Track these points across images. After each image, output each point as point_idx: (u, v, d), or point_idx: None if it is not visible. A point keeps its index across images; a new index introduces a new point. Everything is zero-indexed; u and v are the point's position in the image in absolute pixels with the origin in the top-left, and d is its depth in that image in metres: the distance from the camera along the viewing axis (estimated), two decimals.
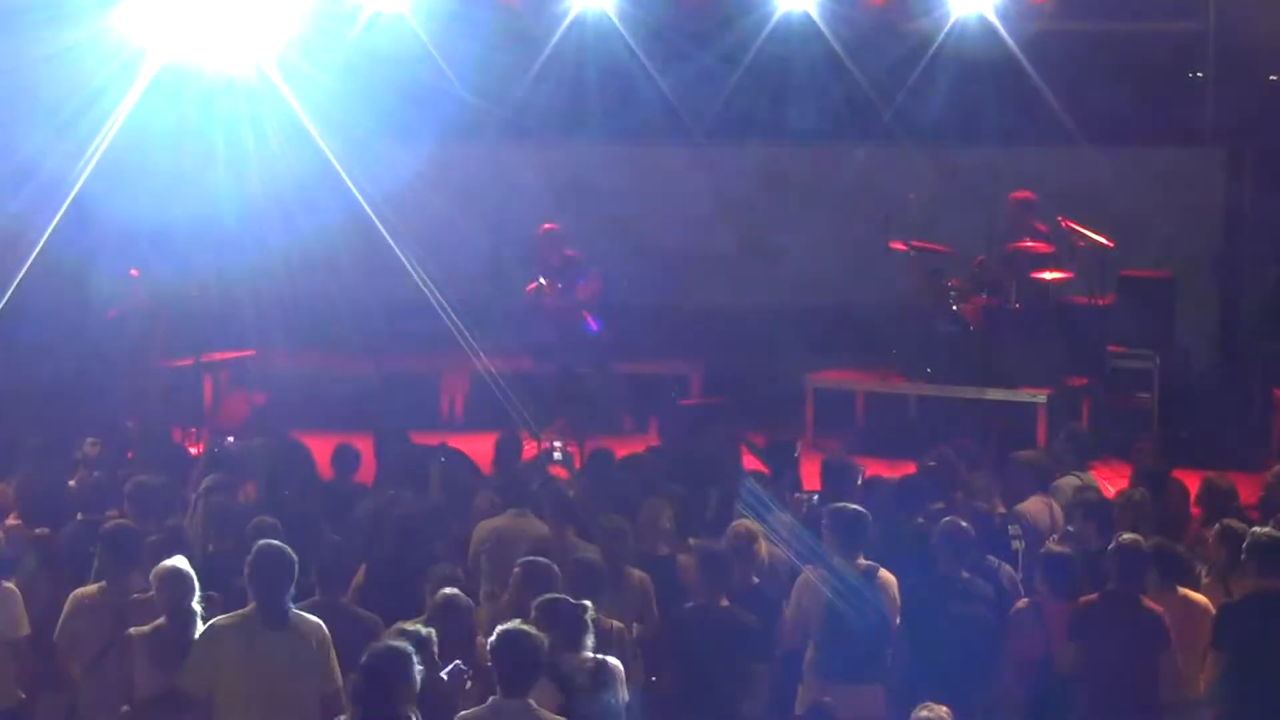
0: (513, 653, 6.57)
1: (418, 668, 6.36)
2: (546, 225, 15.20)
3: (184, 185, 14.80)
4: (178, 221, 14.64)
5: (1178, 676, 7.75)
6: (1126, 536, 8.00)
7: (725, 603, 7.88)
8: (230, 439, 11.30)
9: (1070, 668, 7.76)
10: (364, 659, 6.34)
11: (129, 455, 11.00)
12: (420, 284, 13.28)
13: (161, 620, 7.33)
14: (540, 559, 7.95)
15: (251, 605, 7.20)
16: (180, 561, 7.47)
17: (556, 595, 7.23)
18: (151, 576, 7.43)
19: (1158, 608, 7.78)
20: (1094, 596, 7.88)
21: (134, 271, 14.18)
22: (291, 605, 7.18)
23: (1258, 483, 10.43)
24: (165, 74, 12.75)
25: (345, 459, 10.36)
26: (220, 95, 14.08)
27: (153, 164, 14.38)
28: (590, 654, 7.06)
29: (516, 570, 7.83)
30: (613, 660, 7.14)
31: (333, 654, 7.14)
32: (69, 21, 12.54)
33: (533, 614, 7.10)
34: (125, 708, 7.33)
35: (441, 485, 10.09)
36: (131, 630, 7.39)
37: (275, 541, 7.40)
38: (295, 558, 7.24)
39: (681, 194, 16.29)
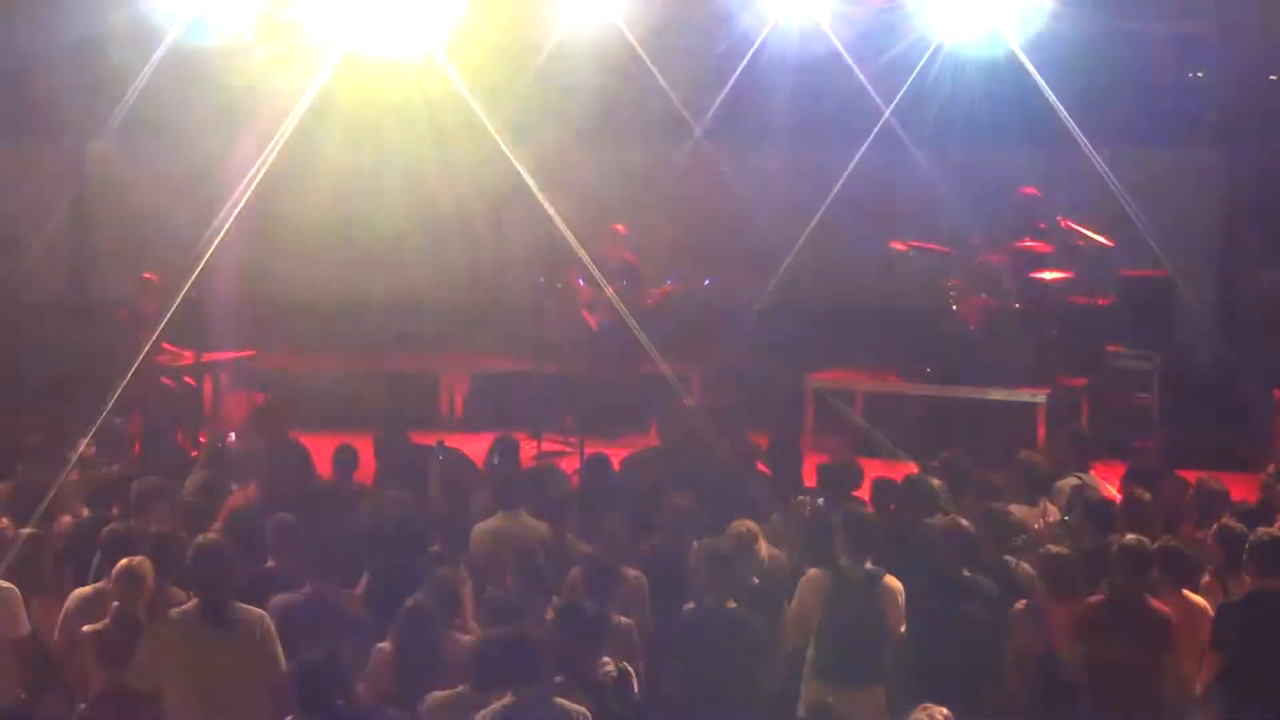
0: (520, 650, 6.63)
1: None
2: (616, 225, 15.15)
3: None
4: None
5: (1181, 678, 7.73)
6: (1130, 537, 7.99)
7: (733, 604, 7.87)
8: (233, 435, 11.27)
9: (1077, 668, 7.75)
10: (298, 663, 6.42)
11: (135, 452, 11.01)
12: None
13: (110, 618, 7.36)
14: (533, 557, 7.97)
15: (194, 601, 7.26)
16: (134, 560, 7.51)
17: (577, 600, 7.26)
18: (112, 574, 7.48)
19: (1163, 608, 7.76)
20: (1098, 597, 7.87)
21: (150, 276, 14.14)
22: (232, 601, 7.22)
23: (1258, 483, 10.42)
24: None
25: (345, 459, 10.36)
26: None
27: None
28: (610, 659, 7.10)
29: (513, 569, 7.84)
30: (628, 666, 7.19)
31: (277, 644, 7.19)
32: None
33: (551, 618, 7.14)
34: (82, 706, 7.34)
35: (440, 485, 10.09)
36: (84, 628, 7.43)
37: (214, 537, 7.45)
38: (233, 553, 7.29)
39: (681, 194, 16.27)
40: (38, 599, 8.03)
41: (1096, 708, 7.69)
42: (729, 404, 13.72)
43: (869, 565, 8.10)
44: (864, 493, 9.70)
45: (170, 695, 7.05)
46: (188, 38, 13.47)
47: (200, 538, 7.46)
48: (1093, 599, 7.87)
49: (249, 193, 14.39)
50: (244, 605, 7.25)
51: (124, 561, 7.50)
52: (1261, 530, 8.04)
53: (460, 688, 6.74)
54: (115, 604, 7.38)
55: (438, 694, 6.79)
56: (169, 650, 7.09)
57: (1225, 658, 7.65)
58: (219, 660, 7.01)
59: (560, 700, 6.64)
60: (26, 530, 8.54)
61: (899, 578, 8.13)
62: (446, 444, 11.62)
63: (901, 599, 8.08)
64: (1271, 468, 10.08)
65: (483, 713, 6.59)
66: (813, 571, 8.20)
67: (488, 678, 6.63)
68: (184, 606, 7.26)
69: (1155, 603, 7.78)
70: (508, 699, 6.59)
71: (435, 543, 8.71)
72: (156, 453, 11.00)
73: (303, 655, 6.75)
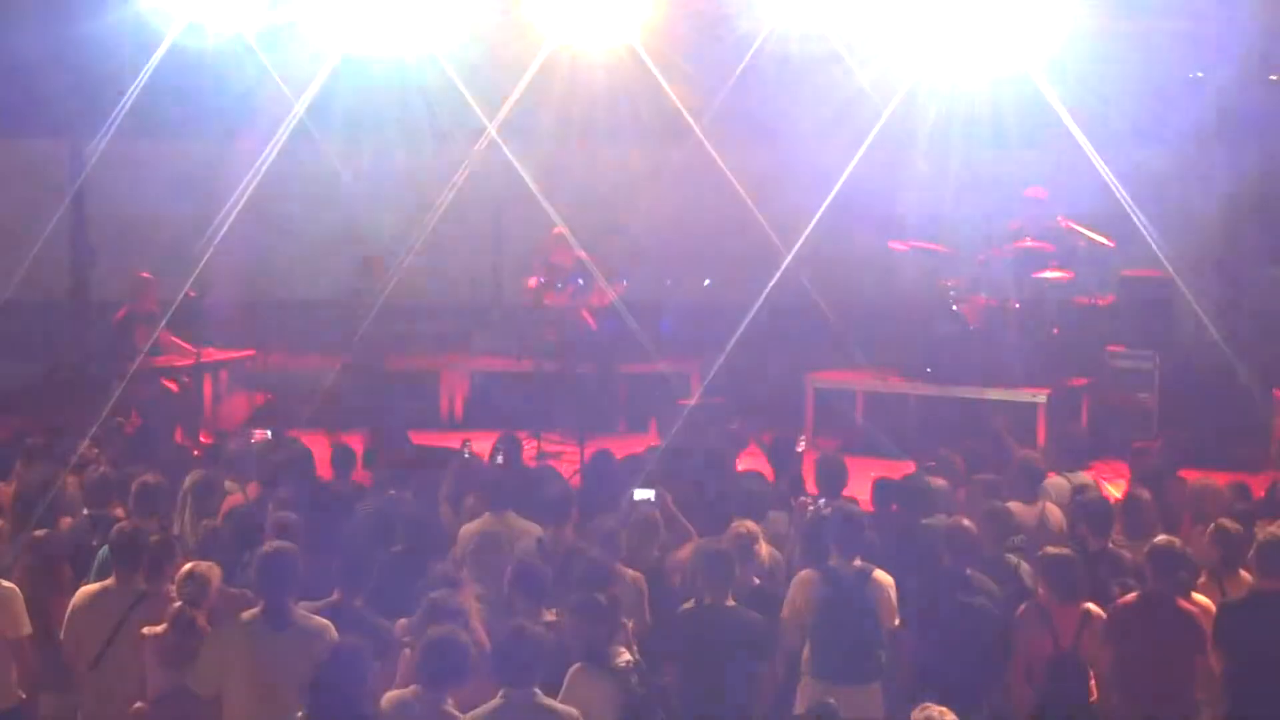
0: (517, 649, 6.64)
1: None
2: (556, 229, 15.18)
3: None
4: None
5: (1211, 677, 7.73)
6: (1162, 538, 7.99)
7: (731, 602, 7.88)
8: (265, 432, 11.21)
9: (1108, 670, 7.74)
10: (319, 663, 6.40)
11: (129, 454, 10.99)
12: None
13: (173, 620, 7.38)
14: (533, 559, 7.96)
15: (259, 606, 7.23)
16: (199, 564, 7.57)
17: (594, 595, 7.27)
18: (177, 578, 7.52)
19: (1193, 608, 7.77)
20: (1131, 598, 7.85)
21: (145, 274, 14.11)
22: (295, 606, 7.22)
23: (1257, 483, 10.42)
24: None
25: (345, 459, 10.35)
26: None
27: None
28: (627, 651, 7.12)
29: (509, 570, 7.84)
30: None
31: None
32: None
33: (568, 615, 7.14)
34: (138, 705, 7.36)
35: (453, 484, 10.09)
36: (145, 630, 7.46)
37: (282, 543, 7.43)
38: (298, 559, 7.26)
39: (681, 194, 16.28)
40: (38, 599, 8.03)
41: (1130, 710, 7.68)
42: (728, 403, 13.70)
43: (858, 563, 8.11)
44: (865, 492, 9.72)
45: (230, 698, 7.09)
46: (186, 40, 13.51)
47: (267, 544, 7.46)
48: (1124, 600, 7.86)
49: (248, 193, 14.47)
50: (306, 613, 7.25)
51: (189, 565, 7.56)
52: (1266, 531, 8.04)
53: (413, 687, 6.72)
54: (176, 606, 7.40)
55: (391, 694, 6.77)
56: (232, 654, 7.12)
57: (1227, 657, 7.66)
58: (279, 665, 7.01)
59: (549, 701, 6.65)
60: (28, 532, 8.55)
61: (901, 577, 8.14)
62: (469, 443, 11.51)
63: (893, 593, 8.10)
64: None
65: (473, 713, 6.59)
66: (804, 572, 8.22)
67: (505, 675, 6.64)
68: (250, 611, 7.27)
69: (1184, 603, 7.79)
70: (498, 700, 6.60)
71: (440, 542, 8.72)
72: (152, 452, 10.99)
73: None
